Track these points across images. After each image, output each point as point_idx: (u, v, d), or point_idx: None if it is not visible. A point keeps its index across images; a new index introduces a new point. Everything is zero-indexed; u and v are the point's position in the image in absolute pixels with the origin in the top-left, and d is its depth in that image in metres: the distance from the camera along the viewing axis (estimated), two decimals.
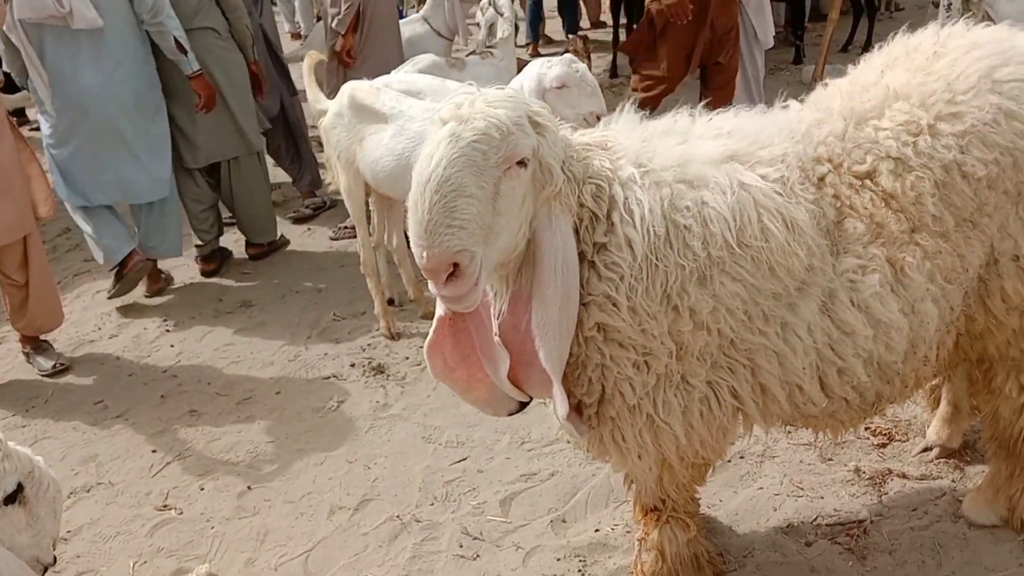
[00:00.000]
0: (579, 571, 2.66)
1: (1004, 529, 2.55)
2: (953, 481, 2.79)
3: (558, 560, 2.72)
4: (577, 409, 2.10)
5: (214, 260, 5.30)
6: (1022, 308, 2.13)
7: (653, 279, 1.88)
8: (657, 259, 1.87)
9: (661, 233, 1.87)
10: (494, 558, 2.77)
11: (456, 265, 1.74)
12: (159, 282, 5.15)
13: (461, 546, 2.84)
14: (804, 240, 1.95)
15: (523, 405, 2.13)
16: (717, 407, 2.06)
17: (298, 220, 6.01)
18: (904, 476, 2.83)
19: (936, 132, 1.99)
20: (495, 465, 3.23)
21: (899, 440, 3.01)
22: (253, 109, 5.23)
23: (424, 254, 1.74)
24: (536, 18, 9.97)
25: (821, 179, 2.05)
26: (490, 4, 5.30)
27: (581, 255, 1.90)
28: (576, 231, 1.90)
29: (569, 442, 2.34)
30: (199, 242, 5.27)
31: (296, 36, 11.34)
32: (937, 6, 6.07)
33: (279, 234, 5.64)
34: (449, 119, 1.78)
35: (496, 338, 2.00)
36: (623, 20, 9.07)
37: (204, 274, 5.28)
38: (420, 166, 1.77)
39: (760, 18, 5.55)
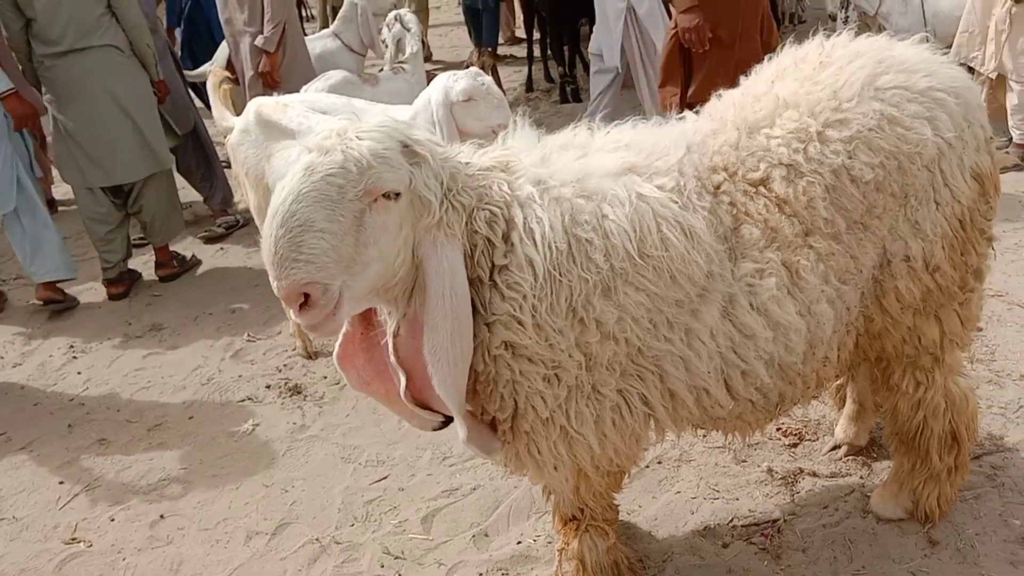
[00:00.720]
0: None
1: (910, 522, 2.63)
2: (861, 478, 2.87)
3: (481, 575, 2.70)
4: (492, 425, 2.10)
5: (122, 283, 5.15)
6: (915, 307, 2.21)
7: (557, 295, 1.89)
8: (560, 275, 1.88)
9: (563, 248, 1.88)
10: None
11: (307, 295, 1.75)
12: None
13: (382, 566, 2.80)
14: (703, 247, 1.98)
15: (448, 419, 2.12)
16: (628, 414, 2.07)
17: (210, 240, 5.89)
18: (815, 475, 2.90)
19: (824, 139, 2.05)
20: (417, 482, 3.20)
21: (809, 440, 3.08)
22: (160, 126, 5.11)
23: (275, 284, 1.76)
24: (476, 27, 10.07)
25: (717, 187, 2.09)
26: (396, 20, 5.29)
27: (478, 279, 1.90)
28: (471, 255, 1.90)
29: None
30: (106, 264, 5.09)
31: None
32: (835, 20, 6.29)
33: (191, 253, 5.52)
34: (312, 149, 1.78)
35: (392, 359, 1.99)
36: (536, 35, 9.13)
37: (112, 298, 5.12)
38: (273, 198, 1.77)
39: (655, 29, 5.68)
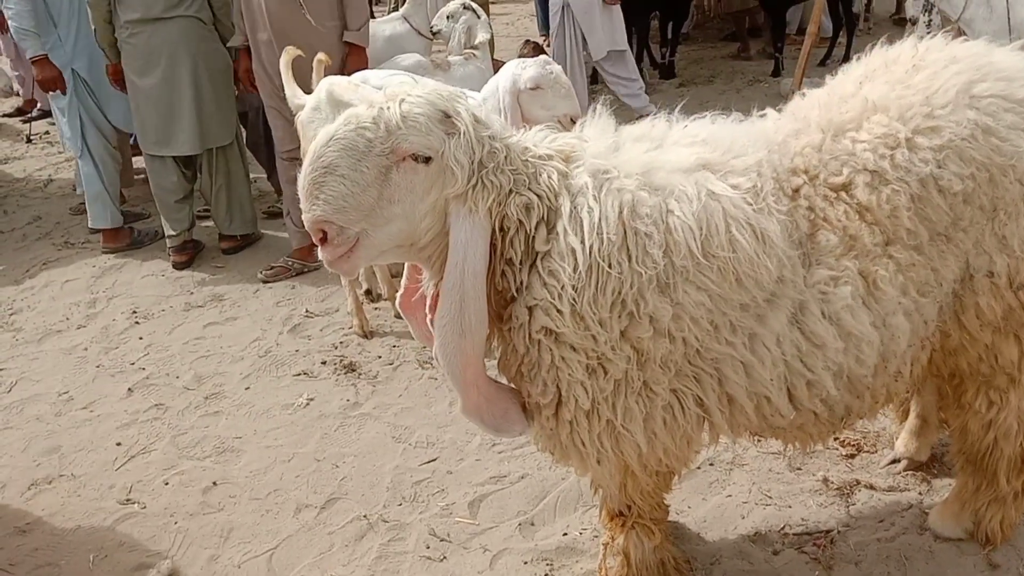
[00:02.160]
0: (546, 575, 2.64)
1: (969, 543, 2.56)
2: (920, 494, 2.80)
3: (525, 563, 2.70)
4: (524, 407, 2.13)
5: (186, 251, 5.25)
6: (995, 324, 2.13)
7: (603, 286, 1.87)
8: (609, 266, 1.86)
9: (616, 240, 1.86)
10: (461, 560, 2.75)
11: (325, 233, 1.87)
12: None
13: (428, 547, 2.81)
14: (774, 251, 1.93)
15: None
16: (681, 415, 2.04)
17: (271, 215, 5.96)
18: (872, 487, 2.84)
19: (914, 146, 1.98)
20: (465, 466, 3.20)
21: (868, 451, 3.01)
22: (232, 104, 5.20)
23: (304, 216, 1.90)
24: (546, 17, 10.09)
25: (796, 190, 2.04)
26: (466, 8, 5.28)
27: (509, 260, 1.93)
28: (503, 235, 1.91)
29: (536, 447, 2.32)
30: (172, 232, 5.19)
31: None
32: (914, 23, 6.11)
33: (254, 228, 5.59)
34: (364, 103, 1.87)
35: (429, 319, 2.05)
36: None
37: (176, 266, 5.23)
38: (317, 138, 1.88)
39: (590, 29, 5.74)
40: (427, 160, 1.85)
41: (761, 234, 1.93)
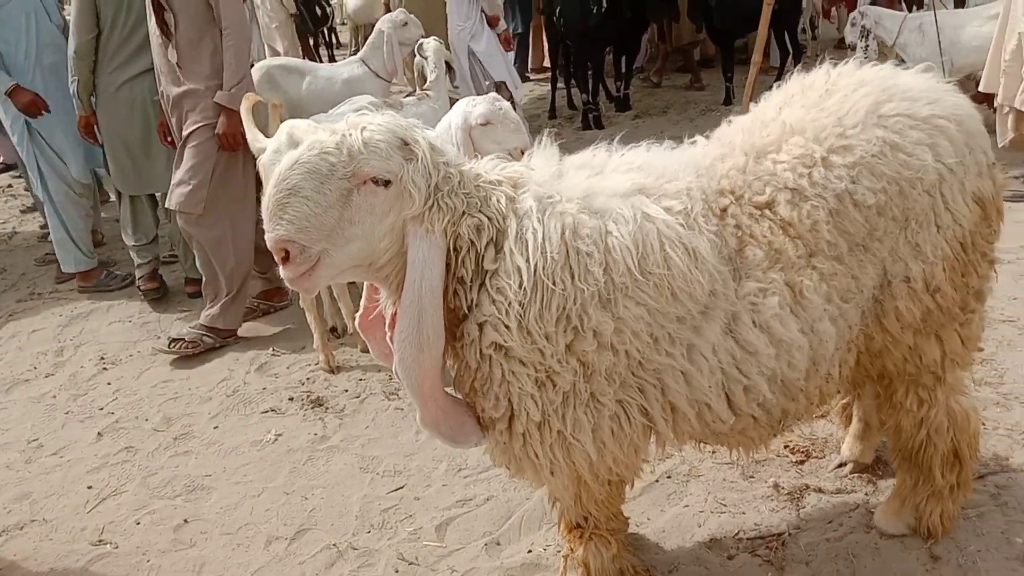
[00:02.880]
0: None
1: (913, 538, 2.69)
2: (866, 494, 2.93)
3: None
4: (487, 424, 2.23)
5: (156, 279, 5.38)
6: (916, 327, 2.28)
7: (547, 302, 1.99)
8: (553, 283, 1.99)
9: (559, 259, 1.99)
10: None
11: (287, 252, 1.97)
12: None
13: (397, 571, 2.89)
14: (706, 267, 2.07)
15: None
16: (628, 425, 2.16)
17: None
18: (820, 491, 2.97)
19: (829, 164, 2.13)
20: (432, 492, 3.29)
21: (816, 457, 3.15)
22: None
23: (266, 236, 2.00)
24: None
25: (723, 210, 2.18)
26: (417, 51, 5.48)
27: (461, 279, 2.05)
28: (456, 255, 2.04)
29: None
30: (141, 261, 5.33)
31: None
32: (854, 49, 6.38)
33: None
34: (327, 131, 1.99)
35: (388, 336, 2.17)
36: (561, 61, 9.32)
37: (147, 294, 5.35)
38: (282, 163, 2.00)
39: (494, 67, 6.25)
40: (387, 183, 1.97)
41: (693, 251, 2.07)
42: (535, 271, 2.00)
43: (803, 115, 2.22)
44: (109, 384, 4.49)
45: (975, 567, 2.57)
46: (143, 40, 4.77)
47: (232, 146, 4.49)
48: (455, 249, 2.05)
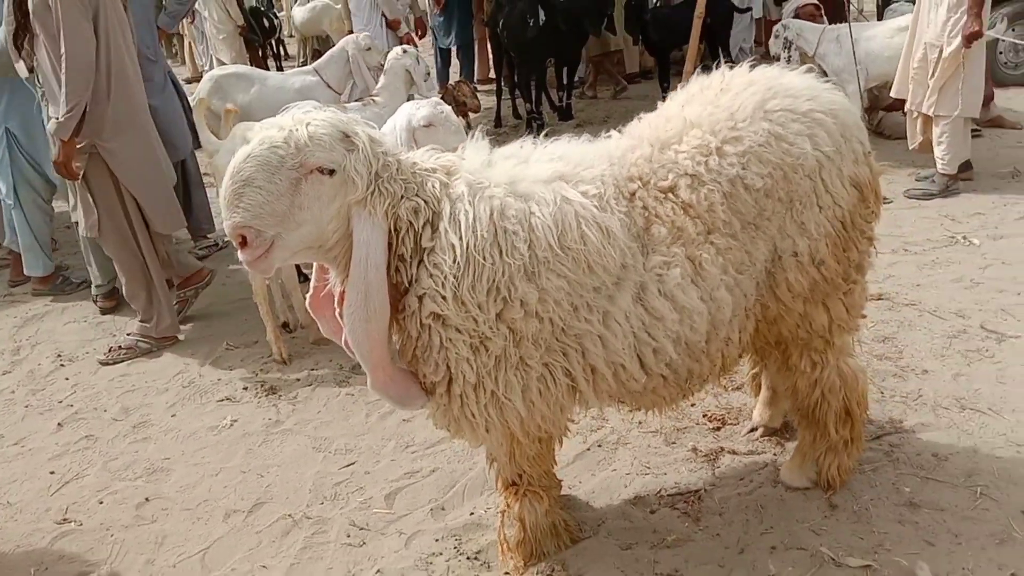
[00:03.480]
0: (455, 548, 2.98)
1: (815, 490, 3.00)
2: (774, 455, 3.25)
3: (436, 541, 3.03)
4: (423, 386, 2.48)
5: (114, 297, 5.46)
6: (804, 296, 2.60)
7: (479, 275, 2.25)
8: (483, 258, 2.25)
9: (488, 237, 2.25)
10: (379, 544, 3.06)
11: (244, 237, 2.18)
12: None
13: (348, 536, 3.12)
14: (617, 243, 2.36)
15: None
16: (553, 385, 2.43)
17: None
18: (734, 452, 3.28)
19: (722, 153, 2.44)
20: (381, 467, 3.52)
21: (731, 424, 3.46)
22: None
23: (223, 224, 2.21)
24: (444, 66, 11.15)
25: (632, 194, 2.47)
26: (405, 52, 5.71)
27: (401, 256, 2.29)
28: (396, 235, 2.28)
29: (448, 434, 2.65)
30: (101, 281, 5.42)
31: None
32: (778, 60, 6.78)
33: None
34: (274, 127, 2.22)
35: (338, 312, 2.41)
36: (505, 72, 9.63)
37: (104, 311, 5.43)
38: (233, 158, 2.23)
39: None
40: (331, 172, 2.21)
41: (606, 229, 2.35)
42: (467, 248, 2.26)
43: (700, 111, 2.52)
44: (67, 379, 4.64)
45: (867, 513, 2.89)
46: None
47: (66, 174, 4.43)
48: (395, 229, 2.30)
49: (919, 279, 4.67)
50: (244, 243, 2.22)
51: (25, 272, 5.84)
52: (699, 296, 2.43)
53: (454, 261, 2.26)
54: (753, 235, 2.49)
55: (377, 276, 2.26)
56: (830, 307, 2.66)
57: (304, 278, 5.34)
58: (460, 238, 2.27)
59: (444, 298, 2.27)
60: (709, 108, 2.51)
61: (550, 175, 2.41)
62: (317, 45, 14.85)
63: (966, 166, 6.08)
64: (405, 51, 5.62)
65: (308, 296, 2.64)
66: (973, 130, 6.28)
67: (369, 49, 6.48)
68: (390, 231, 2.30)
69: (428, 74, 5.78)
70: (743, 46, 10.05)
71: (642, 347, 2.44)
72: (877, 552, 2.71)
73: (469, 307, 2.28)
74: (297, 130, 2.19)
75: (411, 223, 2.30)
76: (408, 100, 4.98)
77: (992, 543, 2.71)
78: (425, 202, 2.32)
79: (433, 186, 2.35)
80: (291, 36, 16.06)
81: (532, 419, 2.47)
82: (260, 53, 12.80)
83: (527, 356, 2.37)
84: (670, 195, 2.46)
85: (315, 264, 2.59)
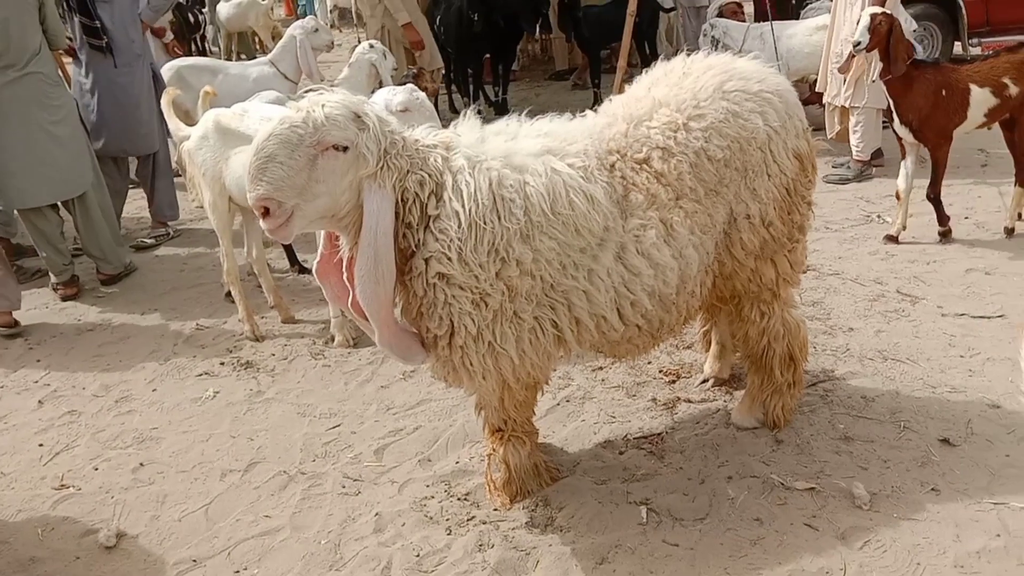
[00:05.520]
0: (445, 491, 3.27)
1: (762, 430, 3.41)
2: (725, 402, 3.65)
3: (427, 486, 3.32)
4: (423, 343, 2.76)
5: (75, 284, 5.54)
6: (756, 253, 2.98)
7: (480, 238, 2.54)
8: (484, 223, 2.54)
9: (488, 204, 2.55)
10: (374, 492, 3.33)
11: (267, 208, 2.42)
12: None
13: (344, 487, 3.38)
14: (600, 208, 2.69)
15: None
16: (543, 336, 2.74)
17: (139, 249, 6.32)
18: (689, 401, 3.67)
19: (688, 128, 2.80)
20: (366, 427, 3.78)
21: (684, 377, 3.85)
22: (86, 145, 5.59)
23: (248, 196, 2.45)
24: None
25: (612, 165, 2.81)
26: (372, 47, 5.92)
27: (408, 224, 2.56)
28: (403, 205, 2.55)
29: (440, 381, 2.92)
30: (60, 268, 5.50)
31: None
32: None
33: (128, 260, 5.94)
34: (294, 108, 2.48)
35: (346, 276, 2.66)
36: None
37: (66, 299, 5.51)
38: (256, 137, 2.48)
39: None
40: (345, 149, 2.48)
41: (591, 196, 2.68)
42: (470, 214, 2.56)
43: (667, 92, 2.88)
44: (39, 361, 4.74)
45: (809, 446, 3.30)
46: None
47: None
48: (402, 200, 2.58)
49: (840, 253, 5.17)
50: (266, 213, 2.46)
51: None
52: (671, 254, 2.78)
53: (459, 226, 2.54)
54: (714, 200, 2.85)
55: (386, 242, 2.52)
56: (777, 263, 3.05)
57: (293, 261, 5.58)
58: (463, 206, 2.55)
59: (450, 259, 2.55)
60: (675, 89, 2.87)
61: (540, 149, 2.73)
62: (237, 46, 14.84)
63: (878, 154, 6.67)
64: (372, 46, 5.85)
65: (315, 262, 2.89)
66: (883, 122, 6.86)
67: (317, 31, 6.67)
68: (397, 201, 2.57)
69: (395, 68, 6.02)
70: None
71: (621, 300, 2.77)
72: (819, 477, 3.12)
73: (472, 267, 2.57)
74: (314, 111, 2.44)
75: (417, 194, 2.57)
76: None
77: (915, 466, 3.15)
78: (429, 175, 2.60)
79: (435, 160, 2.63)
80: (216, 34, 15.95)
81: (523, 366, 2.78)
82: (188, 49, 12.78)
83: (520, 310, 2.68)
84: (645, 166, 2.80)
85: (323, 232, 2.85)
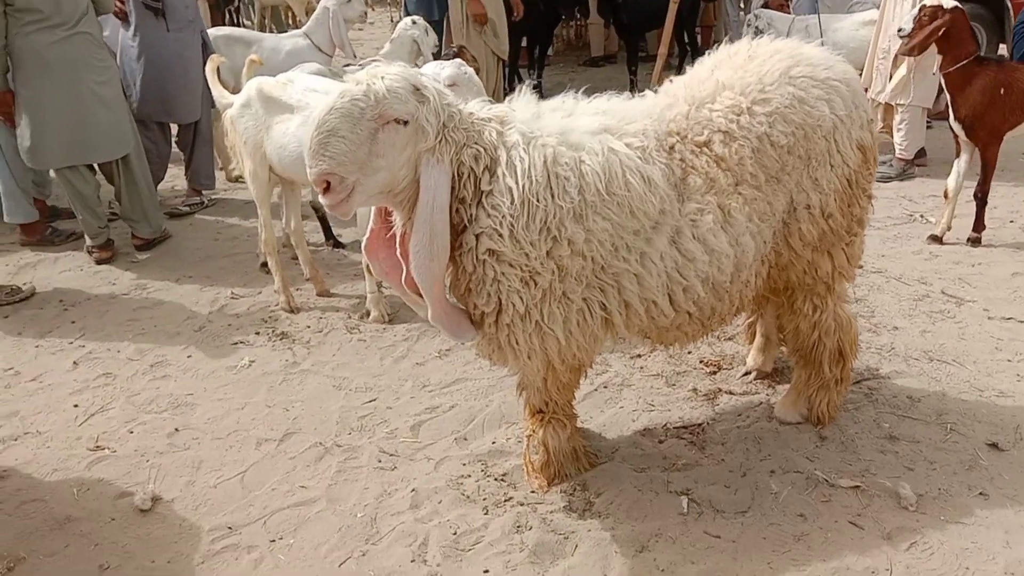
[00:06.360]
0: (482, 471, 3.25)
1: (806, 424, 3.35)
2: (767, 395, 3.59)
3: (464, 465, 3.29)
4: (471, 321, 2.72)
5: (110, 248, 5.55)
6: (813, 245, 2.92)
7: (532, 216, 2.49)
8: (537, 200, 2.49)
9: (542, 181, 2.50)
10: (410, 468, 3.31)
11: (328, 183, 2.37)
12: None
13: (380, 461, 3.36)
14: (657, 191, 2.63)
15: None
16: (590, 317, 2.70)
17: (173, 216, 6.32)
18: (731, 393, 3.62)
19: (752, 112, 2.74)
20: (402, 403, 3.76)
21: (726, 368, 3.80)
22: (126, 111, 5.57)
23: (308, 171, 2.40)
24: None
25: (671, 147, 2.75)
26: (414, 24, 5.86)
27: (462, 199, 2.51)
28: (458, 180, 2.50)
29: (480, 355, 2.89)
30: (96, 231, 5.51)
31: None
32: None
33: (164, 226, 5.94)
34: (353, 81, 2.43)
35: (399, 252, 2.62)
36: None
37: (100, 262, 5.52)
38: (316, 110, 2.43)
39: None
40: (405, 123, 2.43)
41: (648, 178, 2.63)
42: (523, 190, 2.51)
43: (732, 74, 2.82)
44: (74, 323, 4.74)
45: (853, 444, 3.25)
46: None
47: None
48: (458, 175, 2.53)
49: (883, 251, 5.09)
50: (327, 188, 2.41)
51: (6, 218, 5.78)
52: (727, 241, 2.72)
53: (511, 203, 2.50)
54: (775, 188, 2.79)
55: (442, 218, 2.48)
56: (834, 256, 2.99)
57: (328, 235, 5.55)
58: (517, 182, 2.51)
59: (501, 236, 2.51)
60: (739, 72, 2.81)
61: (597, 127, 2.67)
62: (270, 20, 14.82)
63: (921, 153, 6.56)
64: (415, 22, 5.79)
65: (364, 239, 2.83)
66: (927, 121, 6.75)
67: (350, 1, 6.61)
68: (453, 176, 2.53)
69: (436, 45, 5.96)
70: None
71: (673, 286, 2.72)
72: (864, 475, 3.07)
73: (523, 244, 2.53)
74: (375, 84, 2.39)
75: (472, 168, 2.53)
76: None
77: (962, 469, 3.09)
78: (484, 149, 2.55)
79: (490, 134, 2.58)
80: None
81: (569, 348, 2.73)
82: (223, 20, 12.79)
83: (570, 291, 2.64)
84: (705, 149, 2.75)
85: (373, 208, 2.80)
